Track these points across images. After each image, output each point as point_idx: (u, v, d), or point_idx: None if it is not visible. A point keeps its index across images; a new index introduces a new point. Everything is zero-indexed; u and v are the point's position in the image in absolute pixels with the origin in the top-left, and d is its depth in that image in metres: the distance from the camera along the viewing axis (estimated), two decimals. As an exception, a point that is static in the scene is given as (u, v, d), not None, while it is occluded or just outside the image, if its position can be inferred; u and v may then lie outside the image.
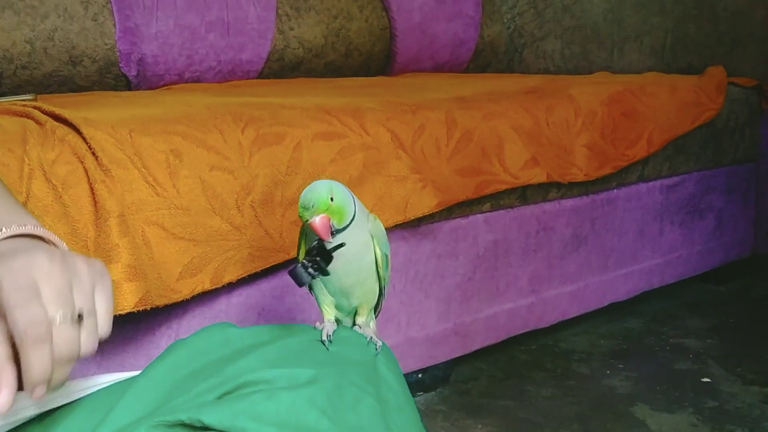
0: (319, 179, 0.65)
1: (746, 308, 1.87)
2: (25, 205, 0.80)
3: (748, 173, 1.97)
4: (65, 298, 0.45)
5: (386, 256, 0.68)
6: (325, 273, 0.63)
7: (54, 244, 0.51)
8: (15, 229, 0.49)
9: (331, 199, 0.61)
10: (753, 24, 2.02)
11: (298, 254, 0.69)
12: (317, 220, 0.60)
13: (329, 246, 0.63)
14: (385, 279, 0.70)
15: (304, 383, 0.56)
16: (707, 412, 1.34)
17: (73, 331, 0.45)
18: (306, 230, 0.67)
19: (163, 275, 0.89)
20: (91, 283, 0.47)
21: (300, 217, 0.61)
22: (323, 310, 0.69)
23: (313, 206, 0.60)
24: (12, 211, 0.53)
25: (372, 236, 0.67)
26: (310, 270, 0.62)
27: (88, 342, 0.46)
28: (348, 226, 0.63)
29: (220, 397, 0.56)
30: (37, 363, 0.43)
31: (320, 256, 0.62)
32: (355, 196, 0.66)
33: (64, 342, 0.44)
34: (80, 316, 0.46)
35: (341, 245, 0.63)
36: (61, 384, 0.46)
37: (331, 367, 0.59)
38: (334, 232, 0.62)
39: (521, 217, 1.44)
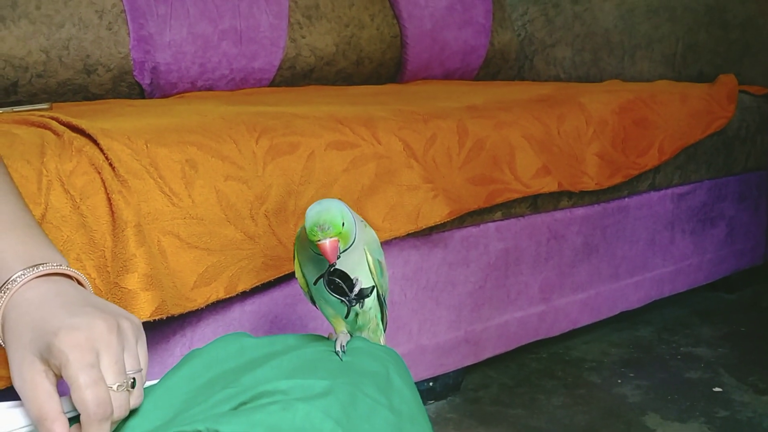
0: (326, 198, 0.65)
1: (758, 316, 1.86)
2: (43, 216, 0.81)
3: (759, 181, 1.97)
4: (121, 367, 0.50)
5: (379, 262, 0.69)
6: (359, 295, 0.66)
7: (80, 283, 0.56)
8: (47, 268, 0.53)
9: (343, 224, 0.61)
10: (764, 32, 2.01)
11: (294, 264, 0.69)
12: (328, 243, 0.61)
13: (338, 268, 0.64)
14: (382, 286, 0.70)
15: (319, 394, 0.56)
16: (719, 421, 1.34)
17: (125, 397, 0.51)
18: (299, 241, 0.68)
19: (178, 284, 0.90)
20: (136, 342, 0.53)
21: (309, 235, 0.61)
22: (332, 323, 0.70)
23: (328, 229, 0.61)
24: (41, 246, 0.56)
25: (363, 244, 0.67)
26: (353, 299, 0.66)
27: (137, 398, 0.53)
28: (348, 248, 0.64)
29: (236, 408, 0.56)
30: None
31: (342, 280, 0.64)
32: (355, 215, 0.66)
33: (118, 407, 0.50)
34: (133, 383, 0.52)
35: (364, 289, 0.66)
36: None
37: (346, 377, 0.60)
38: (339, 255, 0.63)
39: (532, 225, 1.44)
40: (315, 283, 0.66)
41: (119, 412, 0.50)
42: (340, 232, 0.61)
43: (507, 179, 1.35)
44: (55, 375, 0.50)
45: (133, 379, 0.51)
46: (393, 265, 1.24)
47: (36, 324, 0.50)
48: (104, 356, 0.49)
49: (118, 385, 0.49)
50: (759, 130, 1.94)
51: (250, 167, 1.01)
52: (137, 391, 0.52)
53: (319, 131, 1.13)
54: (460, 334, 1.36)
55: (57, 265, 0.54)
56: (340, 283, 0.64)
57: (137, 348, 0.53)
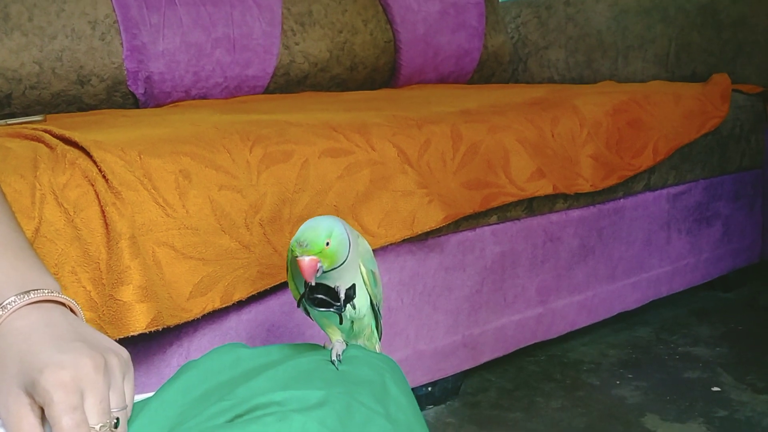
0: (323, 215, 0.65)
1: (755, 315, 1.86)
2: (37, 230, 0.81)
3: (754, 180, 1.97)
4: (105, 407, 0.50)
5: (372, 272, 0.68)
6: (339, 305, 0.65)
7: (72, 310, 0.55)
8: (37, 296, 0.53)
9: (327, 244, 0.61)
10: (756, 31, 2.02)
11: (287, 275, 0.69)
12: (305, 261, 0.60)
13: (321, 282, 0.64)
14: (376, 296, 0.70)
15: (315, 405, 0.56)
16: (717, 421, 1.34)
17: None
18: (290, 253, 0.68)
19: (173, 295, 0.90)
20: (122, 378, 0.52)
21: (291, 249, 0.62)
22: (327, 332, 0.70)
23: (307, 246, 0.60)
24: (33, 270, 0.55)
25: (358, 255, 0.67)
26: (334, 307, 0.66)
27: None
28: (339, 266, 0.63)
29: (231, 420, 0.56)
30: None
31: (327, 295, 0.64)
32: (351, 232, 0.66)
33: None
34: (117, 423, 0.51)
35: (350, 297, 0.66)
36: None
37: (341, 387, 0.60)
38: (326, 271, 0.63)
39: (528, 228, 1.45)
40: (299, 305, 0.66)
41: None
42: (321, 251, 0.61)
43: (502, 183, 1.35)
44: (40, 408, 0.49)
45: (117, 419, 0.51)
46: (389, 271, 1.24)
47: (23, 357, 0.49)
48: (89, 396, 0.49)
49: (101, 426, 0.49)
50: (753, 128, 1.95)
51: (244, 176, 1.01)
52: (121, 430, 0.52)
53: (313, 139, 1.13)
54: (458, 338, 1.36)
55: (49, 292, 0.53)
56: (323, 297, 0.64)
57: (124, 384, 0.52)
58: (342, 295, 0.65)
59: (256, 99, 1.80)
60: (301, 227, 0.62)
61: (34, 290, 0.53)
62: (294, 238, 0.61)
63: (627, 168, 1.58)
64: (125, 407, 0.52)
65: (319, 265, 0.61)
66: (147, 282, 0.85)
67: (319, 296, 0.64)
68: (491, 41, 2.37)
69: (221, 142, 1.03)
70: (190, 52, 1.72)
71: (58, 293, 0.54)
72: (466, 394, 1.46)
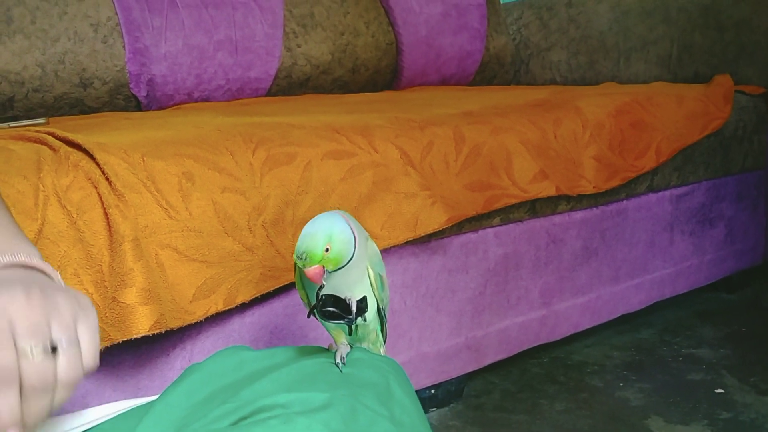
0: (326, 212, 0.64)
1: (758, 316, 1.86)
2: (40, 231, 0.81)
3: (757, 181, 1.97)
4: (39, 330, 0.45)
5: (380, 276, 0.68)
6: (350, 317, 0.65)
7: (48, 275, 0.52)
8: (8, 259, 0.50)
9: (327, 250, 0.61)
10: (758, 32, 2.02)
11: (295, 276, 0.69)
12: (310, 271, 0.61)
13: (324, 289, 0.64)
14: (382, 300, 0.69)
15: (319, 407, 0.56)
16: (721, 423, 1.33)
17: (46, 363, 0.45)
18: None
19: (176, 297, 0.89)
20: (73, 317, 0.47)
21: (294, 260, 0.62)
22: (332, 335, 0.70)
23: (306, 260, 0.61)
24: (10, 238, 0.53)
25: (366, 258, 0.67)
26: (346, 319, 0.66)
27: (68, 370, 0.46)
28: (345, 265, 0.63)
29: (235, 423, 0.56)
30: (3, 406, 0.44)
31: (337, 306, 0.64)
32: (356, 227, 0.65)
33: (35, 373, 0.44)
34: (54, 348, 0.46)
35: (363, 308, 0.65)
36: (41, 418, 0.45)
37: (346, 389, 0.59)
38: (333, 270, 0.63)
39: (531, 230, 1.44)
40: (309, 316, 0.66)
41: (37, 379, 0.45)
42: (322, 259, 0.61)
43: (504, 185, 1.35)
44: None
45: (55, 347, 0.46)
46: (392, 273, 1.24)
47: None
48: (19, 322, 0.45)
49: (33, 347, 0.44)
50: (756, 129, 1.95)
51: (247, 178, 1.01)
52: (66, 358, 0.46)
53: (316, 141, 1.13)
54: (461, 340, 1.36)
55: (15, 255, 0.51)
56: (333, 310, 0.64)
57: (74, 323, 0.47)
58: (354, 308, 0.65)
59: (258, 101, 1.80)
60: (301, 235, 0.62)
61: (8, 253, 0.50)
62: (295, 250, 0.61)
63: (630, 169, 1.58)
64: (76, 342, 0.47)
65: (324, 269, 0.61)
66: (150, 284, 0.85)
67: (330, 309, 0.64)
68: (493, 43, 2.37)
69: (224, 144, 1.03)
70: (192, 54, 1.72)
71: (26, 256, 0.51)
72: (469, 397, 1.46)
